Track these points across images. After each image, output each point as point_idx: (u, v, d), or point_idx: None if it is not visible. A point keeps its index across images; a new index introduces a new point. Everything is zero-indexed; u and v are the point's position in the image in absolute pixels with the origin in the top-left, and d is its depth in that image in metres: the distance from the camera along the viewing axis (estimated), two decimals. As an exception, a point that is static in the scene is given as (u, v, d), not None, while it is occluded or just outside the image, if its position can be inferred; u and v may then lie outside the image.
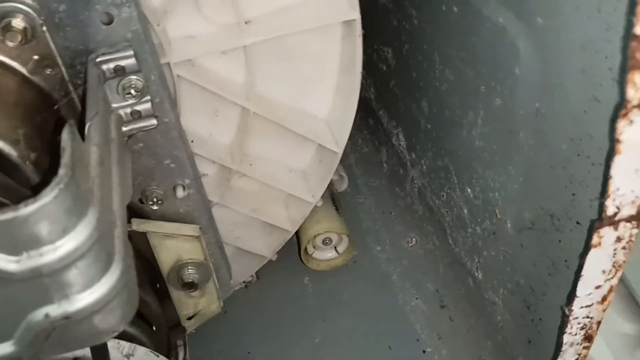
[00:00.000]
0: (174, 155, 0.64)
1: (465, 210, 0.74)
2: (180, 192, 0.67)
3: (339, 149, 0.76)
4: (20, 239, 0.38)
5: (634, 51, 0.36)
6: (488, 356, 0.76)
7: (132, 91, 0.58)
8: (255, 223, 0.82)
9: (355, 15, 0.66)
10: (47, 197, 0.37)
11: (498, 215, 0.65)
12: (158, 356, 0.58)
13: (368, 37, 0.70)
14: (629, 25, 0.35)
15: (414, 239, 0.93)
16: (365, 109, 1.05)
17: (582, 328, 0.53)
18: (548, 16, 0.48)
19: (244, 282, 0.94)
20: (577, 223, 0.50)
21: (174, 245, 0.68)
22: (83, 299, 0.42)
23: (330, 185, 0.94)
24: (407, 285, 0.90)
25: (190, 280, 0.70)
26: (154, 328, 0.67)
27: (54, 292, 0.41)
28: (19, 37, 0.51)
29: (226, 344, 0.88)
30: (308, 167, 0.80)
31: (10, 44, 0.51)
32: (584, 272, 0.48)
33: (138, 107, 0.59)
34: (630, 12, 0.35)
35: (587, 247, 0.46)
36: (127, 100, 0.58)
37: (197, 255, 0.69)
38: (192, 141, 0.70)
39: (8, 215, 0.37)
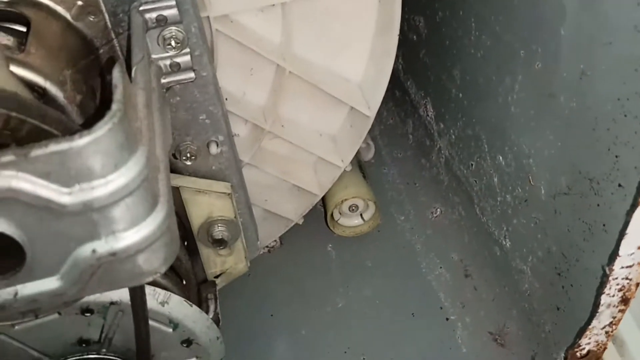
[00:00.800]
0: (209, 111, 0.65)
1: (496, 179, 0.74)
2: (213, 149, 0.67)
3: (371, 113, 0.75)
4: (74, 171, 0.38)
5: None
6: (513, 324, 0.76)
7: (173, 42, 0.58)
8: (284, 186, 0.82)
9: (395, -24, 0.66)
10: (102, 129, 0.38)
11: (531, 182, 0.65)
12: (191, 305, 0.59)
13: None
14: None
15: (438, 210, 0.93)
16: (392, 80, 1.04)
17: (620, 290, 0.53)
18: (600, -28, 0.47)
19: (267, 247, 0.95)
20: (619, 185, 0.50)
21: (206, 202, 0.69)
22: (129, 237, 0.43)
23: (357, 153, 0.94)
24: (431, 255, 0.90)
25: (220, 238, 0.70)
26: (184, 282, 0.67)
27: (102, 228, 0.41)
28: (65, -19, 0.51)
29: (250, 306, 0.88)
30: (339, 131, 0.80)
31: (56, -13, 0.51)
32: (628, 230, 0.48)
33: (177, 59, 0.59)
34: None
35: (634, 205, 0.46)
36: (167, 52, 0.59)
37: (228, 212, 0.70)
38: (226, 99, 0.70)
39: (63, 145, 0.37)
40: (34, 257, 0.41)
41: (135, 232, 0.43)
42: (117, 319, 0.59)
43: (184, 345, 0.62)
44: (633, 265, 0.51)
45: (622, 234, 0.48)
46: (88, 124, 0.40)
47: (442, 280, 0.87)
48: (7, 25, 0.51)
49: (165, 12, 0.56)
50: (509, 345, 0.78)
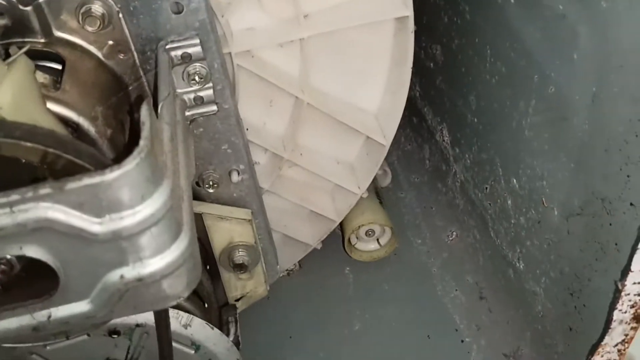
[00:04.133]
0: (231, 141, 0.68)
1: (510, 201, 0.76)
2: (235, 177, 0.70)
3: (387, 142, 0.78)
4: (104, 203, 0.41)
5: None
6: (527, 346, 0.77)
7: (197, 78, 0.62)
8: (302, 212, 0.85)
9: (408, 12, 0.69)
10: (130, 164, 0.40)
11: (545, 204, 0.67)
12: (213, 328, 0.62)
13: (416, 36, 0.72)
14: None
15: (454, 233, 0.95)
16: (409, 107, 1.07)
17: (632, 306, 0.54)
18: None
19: (287, 270, 0.97)
20: (631, 204, 0.51)
21: (227, 228, 0.71)
22: (155, 263, 0.45)
23: (374, 179, 0.96)
24: (446, 278, 0.92)
25: (241, 262, 0.73)
26: (206, 306, 0.70)
27: (130, 255, 0.44)
28: (97, 23, 0.55)
29: (269, 328, 0.90)
30: (355, 159, 0.83)
31: (89, 29, 0.55)
32: (640, 246, 0.49)
33: (201, 93, 0.63)
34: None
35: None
36: (191, 86, 0.62)
37: (248, 238, 0.72)
38: (247, 129, 0.74)
39: (96, 179, 0.40)
40: (67, 282, 0.44)
41: (160, 259, 0.46)
42: (142, 340, 0.62)
43: (206, 366, 0.65)
44: (645, 281, 0.52)
45: (634, 249, 0.50)
46: (118, 159, 0.43)
47: (458, 303, 0.88)
48: (44, 64, 0.55)
49: (190, 50, 0.59)
50: (524, 368, 0.79)
